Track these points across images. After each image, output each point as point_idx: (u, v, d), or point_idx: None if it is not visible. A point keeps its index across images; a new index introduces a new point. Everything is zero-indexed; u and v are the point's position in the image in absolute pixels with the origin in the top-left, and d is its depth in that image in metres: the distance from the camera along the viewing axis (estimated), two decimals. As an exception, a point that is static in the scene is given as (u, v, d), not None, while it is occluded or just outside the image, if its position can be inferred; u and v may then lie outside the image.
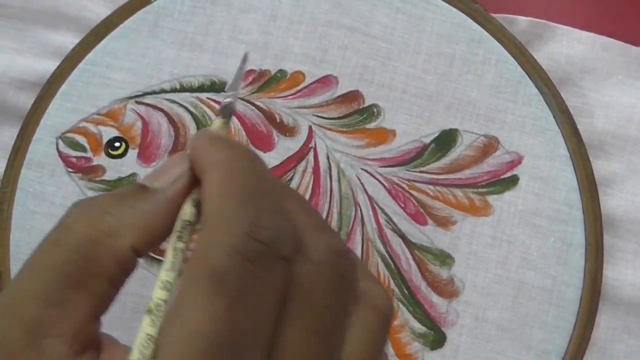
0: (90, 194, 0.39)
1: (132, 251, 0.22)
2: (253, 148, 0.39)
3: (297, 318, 0.20)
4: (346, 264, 0.22)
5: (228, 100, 0.26)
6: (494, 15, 0.41)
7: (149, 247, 0.22)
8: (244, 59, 0.28)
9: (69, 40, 0.42)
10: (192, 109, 0.40)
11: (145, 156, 0.40)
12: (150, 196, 0.22)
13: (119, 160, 0.40)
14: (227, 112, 0.26)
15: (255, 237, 0.19)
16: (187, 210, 0.23)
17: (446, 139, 0.39)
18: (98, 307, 0.22)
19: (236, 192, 0.20)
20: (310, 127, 0.40)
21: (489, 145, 0.39)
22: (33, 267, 0.21)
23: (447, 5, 0.41)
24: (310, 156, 0.39)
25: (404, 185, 0.39)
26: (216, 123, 0.25)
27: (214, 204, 0.20)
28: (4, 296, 0.21)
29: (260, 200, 0.21)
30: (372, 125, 0.40)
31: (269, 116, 0.40)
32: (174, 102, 0.40)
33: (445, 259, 0.38)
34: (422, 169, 0.39)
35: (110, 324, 0.38)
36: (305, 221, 0.22)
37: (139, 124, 0.40)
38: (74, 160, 0.40)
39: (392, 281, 0.38)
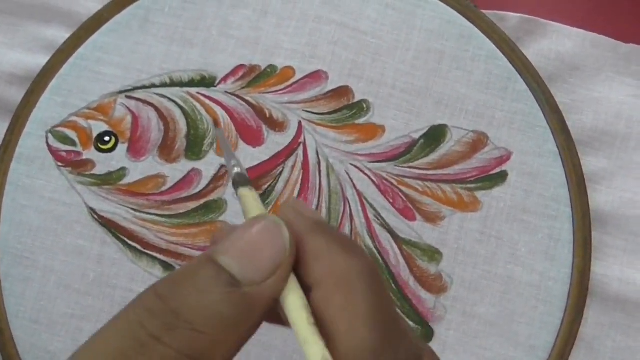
0: (80, 188, 0.39)
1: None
2: (243, 143, 0.40)
3: None
4: None
5: (237, 170, 0.24)
6: (484, 11, 0.41)
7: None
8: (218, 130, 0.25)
9: (60, 35, 0.42)
10: (182, 104, 0.40)
11: (134, 150, 0.40)
12: (245, 301, 0.18)
13: (108, 155, 0.40)
14: (243, 179, 0.23)
15: None
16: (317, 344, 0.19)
17: (435, 135, 0.39)
18: None
19: (371, 334, 0.18)
20: (299, 123, 0.40)
21: (478, 141, 0.39)
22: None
23: (437, 1, 0.41)
24: (300, 151, 0.40)
25: (392, 181, 0.39)
26: (247, 194, 0.22)
27: (347, 344, 0.18)
28: None
29: (395, 339, 0.19)
30: (361, 120, 0.40)
31: (258, 111, 0.40)
32: (164, 96, 0.40)
33: (433, 254, 0.38)
34: (411, 164, 0.39)
35: (99, 318, 0.38)
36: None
37: (129, 118, 0.40)
38: (63, 154, 0.40)
39: (380, 276, 0.38)
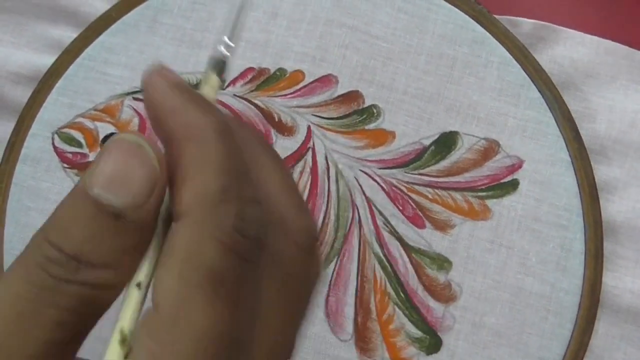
0: (86, 190, 0.39)
1: None
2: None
3: (277, 301, 0.20)
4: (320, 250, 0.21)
5: (221, 50, 0.22)
6: (497, 17, 0.41)
7: None
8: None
9: (68, 35, 0.41)
10: (189, 107, 0.39)
11: (141, 153, 0.39)
12: (136, 228, 0.19)
13: (115, 157, 0.39)
14: (219, 66, 0.22)
15: (243, 232, 0.19)
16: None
17: (446, 142, 0.39)
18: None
19: (219, 177, 0.19)
20: (309, 127, 0.39)
21: (490, 149, 0.39)
22: None
23: (450, 6, 0.40)
24: (309, 156, 0.39)
25: (402, 188, 0.39)
26: (210, 80, 0.22)
27: (195, 188, 0.19)
28: None
29: (243, 183, 0.19)
30: (371, 126, 0.39)
31: (267, 115, 0.39)
32: (171, 99, 0.40)
33: (442, 263, 0.38)
34: (421, 171, 0.39)
35: (102, 321, 0.38)
36: (286, 200, 0.21)
37: (136, 120, 0.39)
38: (69, 155, 0.39)
39: (388, 284, 0.38)
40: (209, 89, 0.22)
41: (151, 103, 0.20)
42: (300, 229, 0.21)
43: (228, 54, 0.22)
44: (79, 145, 0.39)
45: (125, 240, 0.19)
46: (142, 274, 0.19)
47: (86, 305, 0.18)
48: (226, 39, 0.22)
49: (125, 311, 0.19)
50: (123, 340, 0.18)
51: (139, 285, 0.19)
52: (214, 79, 0.22)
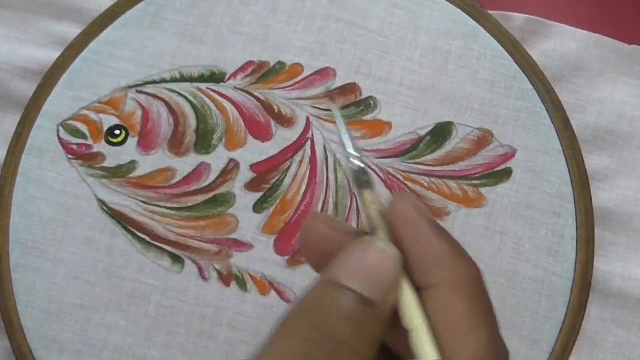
0: (90, 180, 0.40)
1: None
2: (251, 138, 0.40)
3: None
4: None
5: (357, 164, 0.23)
6: (490, 11, 0.42)
7: None
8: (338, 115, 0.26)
9: (72, 31, 0.42)
10: (191, 99, 0.41)
11: (144, 144, 0.40)
12: (376, 317, 0.21)
13: (119, 148, 0.40)
14: (363, 179, 0.23)
15: None
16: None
17: (441, 132, 0.40)
18: None
19: (492, 338, 0.20)
20: (307, 118, 0.40)
21: (483, 139, 0.40)
22: None
23: (444, 1, 0.42)
24: (308, 147, 0.40)
25: (399, 177, 0.40)
26: (368, 196, 0.23)
27: (474, 346, 0.20)
28: None
29: (502, 340, 0.21)
30: (368, 117, 0.40)
31: (267, 107, 0.40)
32: (174, 91, 0.41)
33: (438, 249, 0.39)
34: (417, 160, 0.40)
35: (108, 308, 0.38)
36: None
37: (140, 112, 0.41)
38: (74, 147, 0.40)
39: (386, 270, 0.39)
40: (373, 208, 0.22)
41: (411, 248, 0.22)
42: None
43: (361, 164, 0.23)
44: (84, 137, 0.40)
45: (377, 331, 0.20)
46: None
47: None
48: (351, 151, 0.23)
49: None
50: None
51: None
52: (369, 195, 0.23)
